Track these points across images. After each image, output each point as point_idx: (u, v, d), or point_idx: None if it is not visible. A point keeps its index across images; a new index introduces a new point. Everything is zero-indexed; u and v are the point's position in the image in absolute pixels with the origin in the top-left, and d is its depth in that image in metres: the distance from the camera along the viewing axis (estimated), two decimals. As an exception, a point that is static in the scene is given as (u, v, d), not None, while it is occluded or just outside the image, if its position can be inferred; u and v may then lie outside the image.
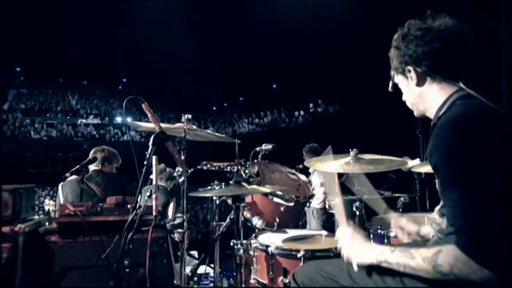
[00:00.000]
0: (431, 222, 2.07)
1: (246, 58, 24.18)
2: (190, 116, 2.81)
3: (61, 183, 4.08)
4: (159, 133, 2.21)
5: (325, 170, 3.46)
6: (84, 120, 24.76)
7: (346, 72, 16.63)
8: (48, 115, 24.88)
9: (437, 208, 1.98)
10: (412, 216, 2.57)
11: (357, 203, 3.18)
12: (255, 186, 2.53)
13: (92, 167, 4.10)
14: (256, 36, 22.39)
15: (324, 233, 2.66)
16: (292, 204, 2.89)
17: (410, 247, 1.50)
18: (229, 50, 24.60)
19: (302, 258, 2.19)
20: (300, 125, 19.13)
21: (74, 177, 3.89)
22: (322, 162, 3.31)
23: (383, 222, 2.83)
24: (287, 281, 2.18)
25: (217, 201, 3.17)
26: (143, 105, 2.24)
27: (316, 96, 19.24)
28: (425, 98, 1.65)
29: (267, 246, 2.32)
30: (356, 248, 1.64)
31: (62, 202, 3.97)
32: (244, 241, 2.27)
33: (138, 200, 2.26)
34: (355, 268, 1.63)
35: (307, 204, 3.11)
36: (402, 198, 3.59)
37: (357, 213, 3.17)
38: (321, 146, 5.96)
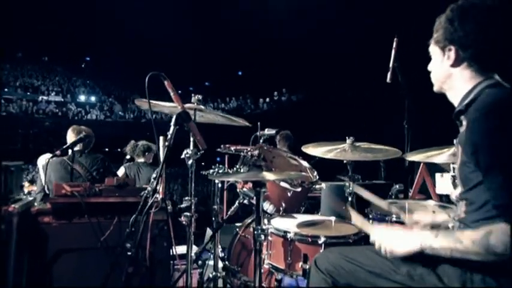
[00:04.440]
0: (448, 212, 2.02)
1: (212, 44, 23.73)
2: (201, 97, 2.62)
3: (42, 163, 3.79)
4: (182, 113, 2.03)
5: (321, 155, 3.39)
6: (45, 97, 23.27)
7: (313, 61, 16.72)
8: (6, 90, 23.18)
9: (456, 192, 1.85)
10: (407, 203, 2.57)
11: (349, 189, 3.14)
12: (271, 172, 2.41)
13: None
14: (222, 22, 21.99)
15: (333, 219, 2.60)
16: (299, 189, 2.80)
17: (453, 231, 1.44)
18: (194, 34, 24.05)
19: (323, 245, 2.12)
20: (265, 111, 19.12)
21: (54, 158, 3.57)
22: (316, 148, 3.23)
23: (382, 209, 2.80)
24: (307, 266, 2.10)
25: (219, 184, 3.02)
26: (166, 82, 2.05)
27: (282, 85, 19.28)
28: (454, 80, 1.57)
29: (285, 231, 2.22)
30: (397, 237, 1.54)
31: (43, 183, 3.69)
32: (264, 226, 2.15)
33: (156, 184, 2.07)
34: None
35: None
36: (397, 186, 3.60)
37: (349, 198, 3.14)
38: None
